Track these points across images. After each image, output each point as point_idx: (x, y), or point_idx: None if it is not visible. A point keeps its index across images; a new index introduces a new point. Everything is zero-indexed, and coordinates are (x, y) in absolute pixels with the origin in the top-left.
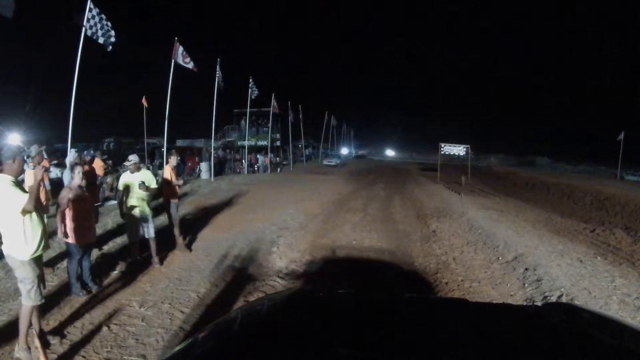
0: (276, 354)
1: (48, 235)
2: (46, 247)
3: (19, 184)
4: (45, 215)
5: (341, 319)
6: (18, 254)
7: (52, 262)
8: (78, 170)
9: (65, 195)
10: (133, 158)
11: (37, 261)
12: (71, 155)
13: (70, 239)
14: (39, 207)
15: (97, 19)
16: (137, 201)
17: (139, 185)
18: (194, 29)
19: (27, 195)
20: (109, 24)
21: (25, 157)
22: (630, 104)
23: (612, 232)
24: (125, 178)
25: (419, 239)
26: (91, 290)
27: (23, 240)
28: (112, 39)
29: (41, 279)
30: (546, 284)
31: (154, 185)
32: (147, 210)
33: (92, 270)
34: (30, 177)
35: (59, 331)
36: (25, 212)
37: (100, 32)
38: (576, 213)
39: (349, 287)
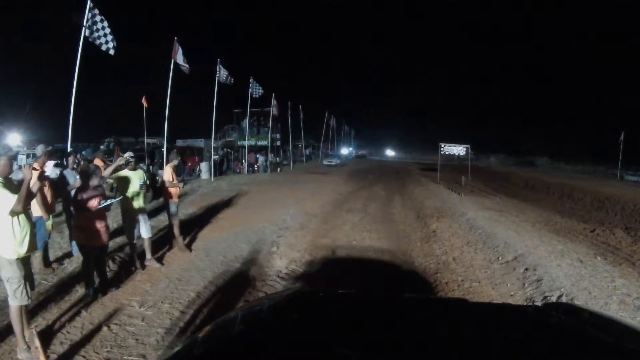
0: (276, 354)
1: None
2: (33, 247)
3: (8, 184)
4: (51, 216)
5: (341, 319)
6: (6, 254)
7: (52, 262)
8: (97, 172)
9: (83, 197)
10: (129, 156)
11: (25, 261)
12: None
13: (86, 241)
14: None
15: (97, 18)
16: (135, 200)
17: (140, 186)
18: (194, 29)
19: (15, 196)
20: (109, 29)
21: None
22: (631, 103)
23: (612, 232)
24: (124, 172)
25: (419, 239)
26: (103, 292)
27: (12, 239)
28: (114, 43)
29: (27, 279)
30: (546, 284)
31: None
32: (143, 210)
33: (99, 269)
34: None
35: (59, 331)
36: (13, 213)
37: (97, 34)
38: (576, 213)
39: (349, 287)
